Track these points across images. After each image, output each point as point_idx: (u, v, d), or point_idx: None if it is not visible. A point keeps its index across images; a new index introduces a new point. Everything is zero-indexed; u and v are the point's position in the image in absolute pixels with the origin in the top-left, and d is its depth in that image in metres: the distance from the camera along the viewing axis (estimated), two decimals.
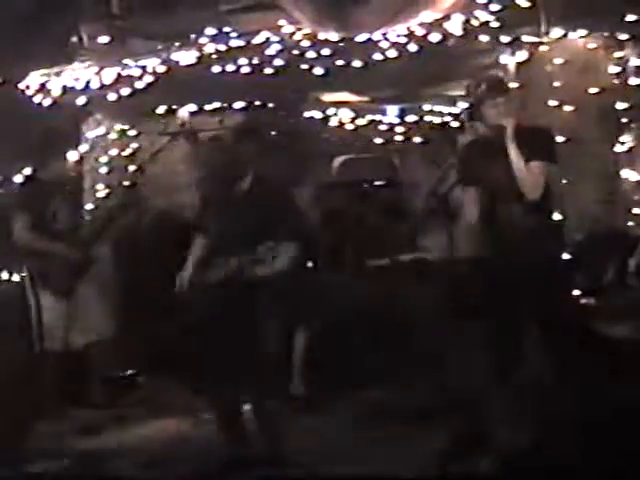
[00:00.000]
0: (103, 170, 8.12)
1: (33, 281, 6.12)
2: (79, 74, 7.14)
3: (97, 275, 6.40)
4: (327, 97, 8.07)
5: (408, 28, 6.63)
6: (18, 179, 6.82)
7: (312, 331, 6.52)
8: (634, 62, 6.84)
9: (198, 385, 5.66)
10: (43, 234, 6.25)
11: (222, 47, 6.90)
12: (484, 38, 6.64)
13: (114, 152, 8.21)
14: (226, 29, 6.95)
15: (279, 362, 5.07)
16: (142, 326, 6.80)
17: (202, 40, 6.96)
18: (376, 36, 6.67)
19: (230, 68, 6.89)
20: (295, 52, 6.80)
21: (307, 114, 8.32)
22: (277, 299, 5.09)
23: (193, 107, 7.81)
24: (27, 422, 5.91)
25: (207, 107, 7.79)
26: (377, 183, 8.53)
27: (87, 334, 6.35)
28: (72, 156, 6.56)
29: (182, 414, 6.13)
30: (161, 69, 6.98)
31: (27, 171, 6.84)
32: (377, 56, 6.72)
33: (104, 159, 8.13)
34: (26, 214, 6.26)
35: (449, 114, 8.32)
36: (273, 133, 8.24)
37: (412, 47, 6.64)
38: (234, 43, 6.88)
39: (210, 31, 6.94)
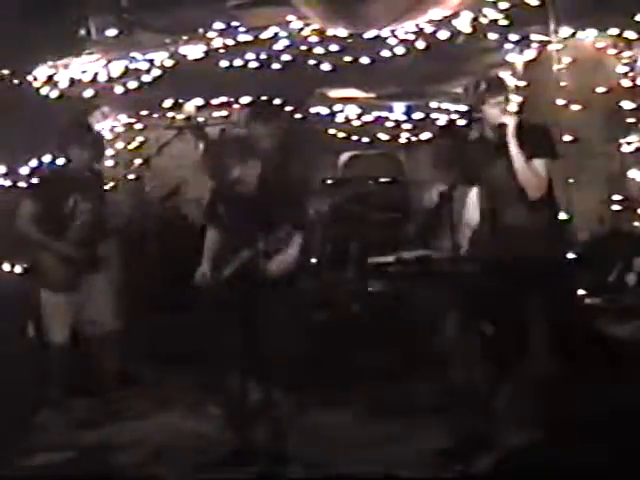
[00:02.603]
0: (109, 163, 8.13)
1: (32, 274, 6.13)
2: (87, 67, 7.14)
3: (107, 269, 6.35)
4: (334, 93, 8.07)
5: (417, 25, 6.62)
6: (25, 170, 6.82)
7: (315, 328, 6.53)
8: None
9: (203, 380, 5.65)
10: (48, 228, 6.22)
11: (230, 42, 6.89)
12: (493, 36, 6.63)
13: (120, 145, 8.22)
14: (234, 24, 6.93)
15: (286, 358, 5.05)
16: (148, 320, 6.79)
17: (210, 34, 6.95)
18: (384, 33, 6.66)
19: (238, 63, 6.89)
20: (303, 48, 6.78)
21: (314, 110, 8.31)
22: (282, 295, 5.09)
23: (200, 101, 7.82)
24: (30, 415, 5.93)
25: (214, 101, 7.80)
26: (382, 180, 8.53)
27: (95, 327, 6.33)
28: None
29: (186, 408, 6.15)
30: (169, 63, 6.98)
31: (40, 161, 6.83)
32: (385, 53, 6.71)
33: (110, 152, 8.14)
34: (33, 205, 6.21)
35: (455, 112, 8.32)
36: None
37: (420, 44, 6.63)
38: (242, 38, 6.87)
39: (218, 25, 6.93)
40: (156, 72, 7.04)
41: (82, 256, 6.18)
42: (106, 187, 6.65)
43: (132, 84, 7.15)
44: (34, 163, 6.99)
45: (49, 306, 6.20)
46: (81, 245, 6.19)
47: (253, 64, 6.88)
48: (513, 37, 6.69)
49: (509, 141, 5.01)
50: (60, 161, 6.50)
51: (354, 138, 8.77)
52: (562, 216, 5.66)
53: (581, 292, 5.88)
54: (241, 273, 4.99)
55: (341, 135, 8.74)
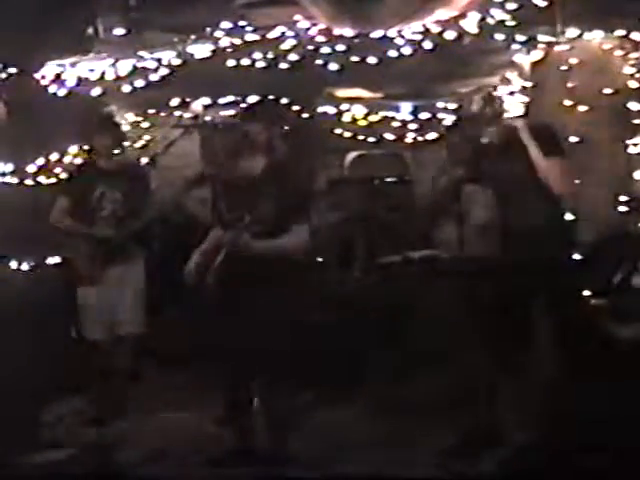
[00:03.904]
0: None
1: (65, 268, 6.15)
2: (94, 65, 7.16)
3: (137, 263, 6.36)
4: (341, 93, 8.07)
5: (424, 25, 6.62)
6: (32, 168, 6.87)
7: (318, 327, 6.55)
8: None
9: (205, 379, 5.66)
10: (81, 219, 6.23)
11: (237, 41, 6.91)
12: (499, 37, 6.63)
13: (127, 143, 8.22)
14: (242, 23, 6.95)
15: (287, 357, 5.06)
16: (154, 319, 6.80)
17: (217, 34, 6.96)
18: (391, 33, 6.66)
19: (245, 62, 6.90)
20: (310, 47, 6.80)
21: (321, 109, 8.32)
22: (286, 292, 5.10)
23: (207, 100, 7.83)
24: (35, 412, 5.95)
25: (221, 100, 7.81)
26: (389, 180, 8.54)
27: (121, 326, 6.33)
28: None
29: (188, 408, 6.16)
30: (176, 62, 6.99)
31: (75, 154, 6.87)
32: (392, 53, 6.72)
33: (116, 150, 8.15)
34: (65, 199, 6.27)
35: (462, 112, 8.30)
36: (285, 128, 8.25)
37: (427, 44, 6.63)
38: (249, 37, 6.89)
39: (226, 25, 6.95)
40: (164, 71, 7.05)
41: (108, 247, 6.19)
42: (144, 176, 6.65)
43: (139, 83, 7.17)
44: (41, 161, 7.02)
45: (82, 302, 6.24)
46: (107, 237, 6.20)
47: (260, 63, 6.89)
48: (520, 38, 6.68)
49: (526, 141, 5.05)
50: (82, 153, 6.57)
51: (360, 137, 8.77)
52: (568, 216, 5.67)
53: (586, 293, 5.88)
54: (231, 258, 4.98)
55: (347, 134, 8.74)
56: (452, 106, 8.14)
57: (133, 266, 6.32)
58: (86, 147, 6.84)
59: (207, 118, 8.18)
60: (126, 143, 6.97)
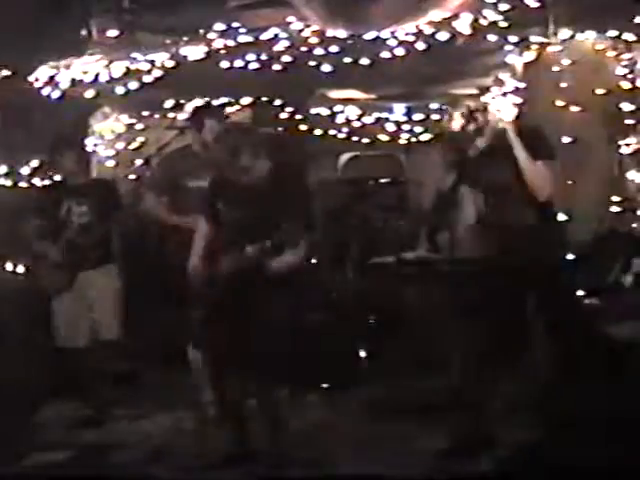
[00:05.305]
0: (110, 163, 8.15)
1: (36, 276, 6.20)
2: (88, 67, 7.16)
3: (108, 269, 6.40)
4: (334, 94, 8.08)
5: (416, 26, 6.64)
6: (25, 170, 6.88)
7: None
8: None
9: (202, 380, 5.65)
10: (56, 239, 6.28)
11: (231, 43, 6.91)
12: (492, 38, 6.65)
13: (121, 145, 8.23)
14: (235, 25, 6.95)
15: (283, 358, 5.05)
16: (147, 320, 6.80)
17: (211, 35, 6.97)
18: (384, 34, 6.68)
19: (238, 64, 6.90)
20: (303, 49, 6.80)
21: (314, 111, 8.32)
22: (284, 293, 5.10)
23: (200, 102, 7.83)
24: (31, 414, 5.95)
25: (214, 102, 7.81)
26: (382, 181, 8.54)
27: (99, 329, 6.36)
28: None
29: (184, 409, 6.16)
30: (169, 64, 7.00)
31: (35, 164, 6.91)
32: (385, 54, 6.73)
33: (111, 152, 8.16)
34: (38, 220, 6.33)
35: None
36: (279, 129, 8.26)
37: (420, 45, 6.65)
38: (242, 39, 6.89)
39: (219, 26, 6.95)
40: (157, 72, 7.05)
41: (76, 258, 6.23)
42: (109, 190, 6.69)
43: (133, 85, 7.17)
44: (35, 163, 7.04)
45: (56, 309, 6.27)
46: (75, 247, 6.23)
47: (253, 65, 6.90)
48: (512, 39, 6.70)
49: (514, 144, 5.04)
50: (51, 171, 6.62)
51: (354, 139, 8.78)
52: (561, 217, 5.68)
53: (580, 293, 5.90)
54: (242, 270, 4.99)
55: (341, 136, 8.74)
56: (445, 107, 8.15)
57: (106, 270, 6.35)
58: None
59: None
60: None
